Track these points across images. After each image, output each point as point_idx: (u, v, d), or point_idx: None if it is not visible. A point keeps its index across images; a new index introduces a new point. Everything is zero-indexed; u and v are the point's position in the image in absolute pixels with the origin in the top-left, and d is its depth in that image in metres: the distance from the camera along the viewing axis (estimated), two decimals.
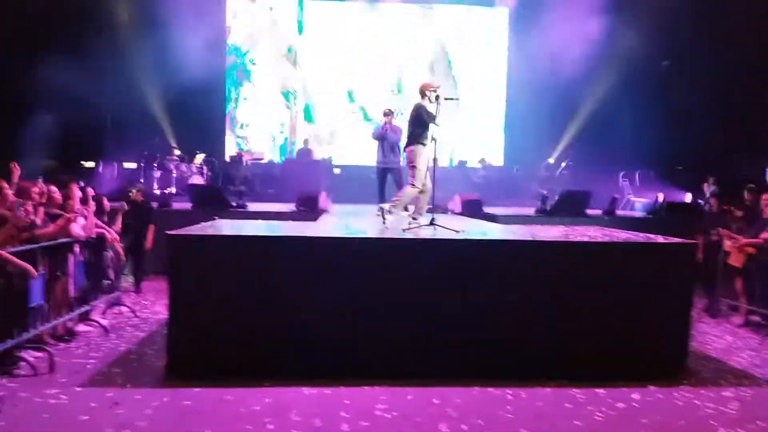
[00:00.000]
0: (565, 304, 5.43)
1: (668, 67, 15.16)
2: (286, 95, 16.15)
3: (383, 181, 9.79)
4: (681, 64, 14.61)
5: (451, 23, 16.51)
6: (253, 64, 16.09)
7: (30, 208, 5.84)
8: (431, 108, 6.90)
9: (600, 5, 14.30)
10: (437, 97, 6.87)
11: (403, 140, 7.37)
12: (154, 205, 10.20)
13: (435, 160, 7.02)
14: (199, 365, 5.11)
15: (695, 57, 14.02)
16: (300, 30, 16.12)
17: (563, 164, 15.28)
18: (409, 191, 7.04)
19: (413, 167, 6.93)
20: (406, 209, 7.41)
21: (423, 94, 7.03)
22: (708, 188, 12.28)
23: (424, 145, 6.93)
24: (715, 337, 6.97)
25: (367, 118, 15.89)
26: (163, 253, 5.69)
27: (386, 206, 7.12)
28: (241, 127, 16.16)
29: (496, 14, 16.68)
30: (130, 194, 8.85)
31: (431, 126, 6.92)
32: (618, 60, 14.59)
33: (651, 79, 14.87)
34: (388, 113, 9.85)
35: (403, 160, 8.24)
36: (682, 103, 14.12)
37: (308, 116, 16.24)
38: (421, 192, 7.03)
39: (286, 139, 16.16)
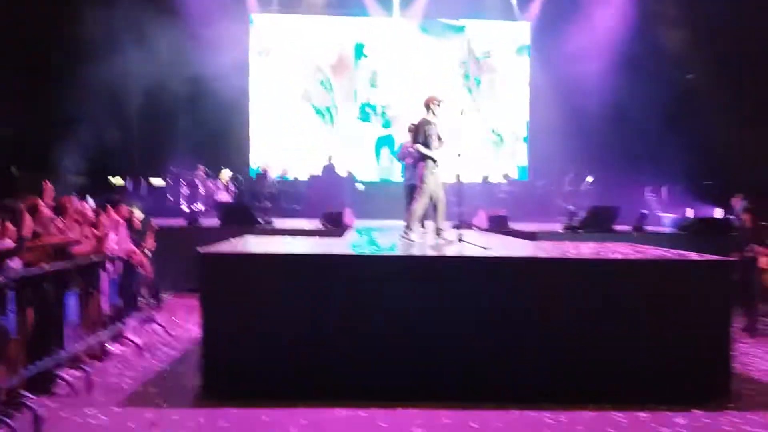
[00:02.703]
0: (602, 325, 5.32)
1: (693, 81, 14.99)
2: (318, 111, 16.23)
3: (411, 199, 9.69)
4: (706, 77, 14.43)
5: (473, 37, 16.54)
6: (279, 80, 16.18)
7: (60, 224, 5.90)
8: (434, 121, 6.83)
9: (622, 18, 14.24)
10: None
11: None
12: (183, 222, 10.30)
13: (458, 176, 6.93)
14: (232, 385, 5.08)
15: (721, 70, 13.85)
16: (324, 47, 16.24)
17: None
18: (414, 207, 7.03)
19: (421, 183, 6.94)
20: (423, 226, 7.31)
21: (427, 107, 6.96)
22: (738, 204, 12.06)
23: (434, 161, 6.87)
24: (758, 358, 6.74)
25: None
26: (190, 270, 5.68)
27: (407, 227, 7.08)
28: (259, 141, 16.22)
29: (518, 28, 16.68)
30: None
31: (437, 142, 6.86)
32: (642, 73, 14.47)
33: (676, 92, 14.70)
34: (412, 129, 9.78)
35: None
36: (707, 116, 13.93)
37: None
38: (436, 206, 6.97)
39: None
